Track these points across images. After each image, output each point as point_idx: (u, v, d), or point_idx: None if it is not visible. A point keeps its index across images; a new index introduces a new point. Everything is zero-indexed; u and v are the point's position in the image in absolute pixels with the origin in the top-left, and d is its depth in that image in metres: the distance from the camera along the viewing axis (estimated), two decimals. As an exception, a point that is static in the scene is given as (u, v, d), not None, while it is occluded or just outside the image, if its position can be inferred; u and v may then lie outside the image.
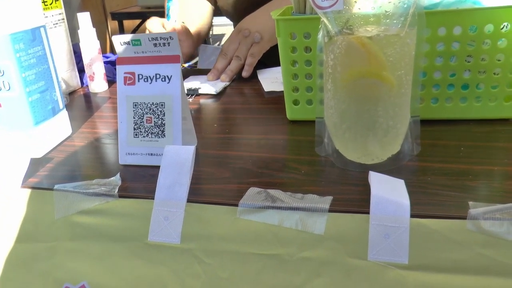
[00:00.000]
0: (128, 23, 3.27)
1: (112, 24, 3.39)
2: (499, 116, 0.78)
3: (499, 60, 0.74)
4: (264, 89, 1.03)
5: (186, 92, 1.04)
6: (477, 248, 0.52)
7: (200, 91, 1.05)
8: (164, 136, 0.71)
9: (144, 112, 0.72)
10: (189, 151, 0.62)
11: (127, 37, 0.71)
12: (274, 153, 0.72)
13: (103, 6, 3.63)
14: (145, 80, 0.72)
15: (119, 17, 3.14)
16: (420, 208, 0.54)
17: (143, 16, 3.22)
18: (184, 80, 1.15)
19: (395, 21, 0.58)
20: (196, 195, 0.61)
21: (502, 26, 0.71)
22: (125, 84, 0.73)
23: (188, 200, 0.60)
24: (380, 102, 0.60)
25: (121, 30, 3.18)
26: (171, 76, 0.71)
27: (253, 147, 0.76)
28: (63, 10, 1.15)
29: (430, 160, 0.66)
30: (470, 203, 0.54)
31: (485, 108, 0.77)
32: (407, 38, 0.59)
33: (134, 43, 0.71)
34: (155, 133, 0.71)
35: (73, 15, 1.23)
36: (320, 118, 0.67)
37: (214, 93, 1.04)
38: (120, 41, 0.72)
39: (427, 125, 0.77)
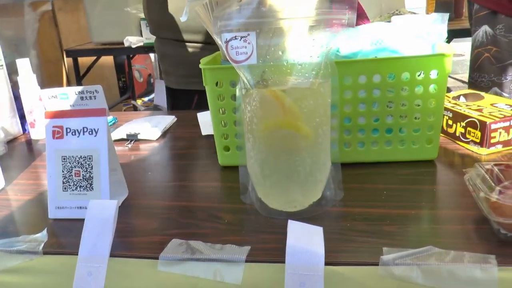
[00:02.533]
0: (84, 60, 3.28)
1: (69, 61, 3.40)
2: (423, 158, 0.83)
3: (418, 105, 0.79)
4: (202, 132, 1.06)
5: (125, 137, 1.07)
6: (387, 293, 0.55)
7: (139, 137, 1.07)
8: (92, 189, 0.73)
9: (73, 166, 0.74)
10: (112, 206, 0.65)
11: (55, 91, 0.74)
12: (201, 201, 0.75)
13: (59, 42, 3.64)
14: (73, 133, 0.74)
15: (73, 54, 3.15)
16: (335, 255, 0.58)
17: (98, 53, 3.24)
18: (126, 123, 1.17)
19: (306, 75, 0.63)
20: (120, 248, 0.63)
21: (418, 74, 0.77)
22: (53, 138, 0.75)
23: (112, 255, 0.62)
24: (297, 152, 0.64)
25: (76, 67, 3.19)
26: (98, 129, 0.73)
27: (183, 195, 0.78)
28: (1, 56, 1.17)
29: (352, 205, 0.70)
30: (384, 249, 0.58)
31: (409, 151, 0.82)
32: (321, 90, 0.64)
33: (61, 96, 0.74)
34: (83, 186, 0.73)
35: (28, 51, 1.24)
36: (244, 166, 0.70)
37: (154, 139, 1.07)
38: (48, 95, 0.74)
39: (354, 168, 0.82)
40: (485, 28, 1.67)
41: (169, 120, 1.18)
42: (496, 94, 1.70)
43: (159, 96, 3.34)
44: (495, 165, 0.67)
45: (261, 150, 0.65)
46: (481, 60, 1.71)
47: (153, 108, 3.39)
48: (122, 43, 2.91)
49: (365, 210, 0.69)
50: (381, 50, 0.79)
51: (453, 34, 2.64)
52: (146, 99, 4.42)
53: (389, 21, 2.51)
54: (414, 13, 2.94)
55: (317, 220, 0.64)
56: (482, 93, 1.03)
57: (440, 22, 0.91)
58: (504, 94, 1.67)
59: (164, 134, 1.11)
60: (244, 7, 0.64)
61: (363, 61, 0.77)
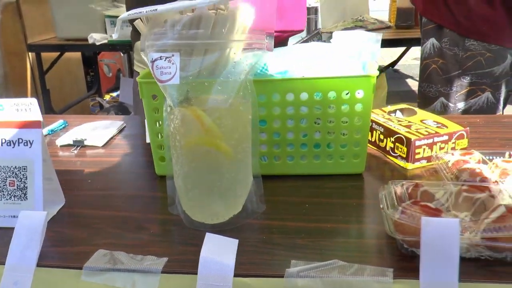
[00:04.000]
0: (47, 55, 3.27)
1: (32, 55, 3.39)
2: (350, 172, 0.89)
3: (345, 122, 0.85)
4: (147, 140, 1.10)
5: (72, 143, 1.10)
6: (291, 303, 0.61)
7: (85, 143, 1.11)
8: (27, 198, 0.77)
9: (7, 176, 0.77)
10: (42, 216, 0.69)
11: (-10, 102, 0.77)
12: (132, 211, 0.80)
13: (24, 34, 3.62)
14: (8, 144, 0.78)
15: (36, 49, 3.14)
16: (246, 267, 0.63)
17: (61, 48, 3.22)
18: (76, 127, 1.20)
19: (226, 95, 0.67)
20: (48, 258, 0.68)
21: (345, 93, 0.83)
22: (-12, 147, 0.78)
23: (39, 264, 0.66)
24: (217, 168, 0.69)
25: (39, 62, 3.18)
26: (32, 140, 0.77)
27: (116, 204, 0.83)
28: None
29: (273, 218, 0.75)
30: (292, 261, 0.63)
31: (337, 165, 0.88)
32: (240, 109, 0.69)
33: (-3, 108, 0.77)
34: (17, 196, 0.77)
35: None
36: (171, 178, 0.74)
37: (100, 145, 1.10)
38: (-17, 106, 0.78)
39: (284, 181, 0.87)
40: (432, 40, 1.76)
41: (117, 125, 1.22)
42: (443, 104, 1.79)
43: (125, 93, 3.36)
44: (405, 184, 0.73)
45: (183, 165, 0.70)
46: (429, 71, 1.80)
47: (118, 106, 3.40)
48: (87, 40, 2.92)
49: (283, 223, 0.74)
50: (309, 68, 0.84)
51: (414, 42, 2.73)
52: (114, 94, 4.42)
53: (353, 26, 2.59)
54: (377, 19, 3.03)
55: (237, 232, 0.69)
56: (416, 109, 1.09)
57: (373, 42, 0.96)
58: (450, 104, 1.76)
59: (110, 140, 1.15)
60: (170, 28, 0.68)
61: (290, 80, 0.82)
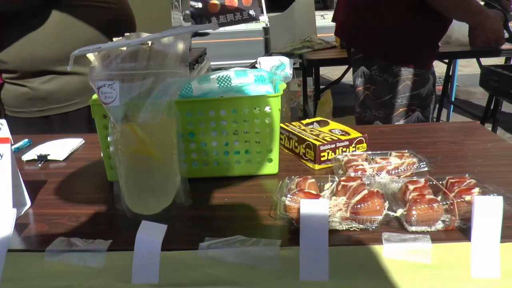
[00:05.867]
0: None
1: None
2: (266, 172, 1.11)
3: (258, 133, 1.06)
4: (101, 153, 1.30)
5: (36, 158, 1.29)
6: (205, 269, 0.81)
7: (49, 157, 1.30)
8: (-2, 201, 0.96)
9: (-18, 183, 0.96)
10: (12, 214, 0.88)
11: (-33, 124, 0.97)
12: (87, 209, 0.99)
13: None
14: (-18, 157, 0.97)
15: None
16: (172, 245, 0.83)
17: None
18: (40, 144, 1.39)
19: (155, 114, 0.88)
20: (18, 245, 0.87)
21: (257, 109, 1.04)
22: (-34, 161, 0.97)
23: (9, 250, 0.85)
24: (150, 170, 0.89)
25: None
26: (3, 154, 0.96)
27: (73, 205, 1.02)
28: None
29: (197, 209, 0.97)
30: (206, 238, 0.84)
31: (255, 167, 1.10)
32: (167, 124, 0.90)
33: (-28, 128, 0.97)
34: (-9, 199, 0.96)
35: None
36: (117, 181, 0.94)
37: (61, 159, 1.29)
38: (-39, 127, 0.97)
39: (211, 182, 1.08)
40: (363, 68, 1.96)
41: (77, 142, 1.41)
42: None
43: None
44: (297, 178, 0.95)
45: (124, 169, 0.90)
46: (363, 97, 2.01)
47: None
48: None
49: (204, 212, 0.95)
50: (228, 90, 1.06)
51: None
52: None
53: (301, 47, 2.84)
54: (323, 40, 3.29)
55: (168, 221, 0.89)
56: (329, 120, 1.32)
57: (288, 66, 1.19)
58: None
59: (71, 155, 1.34)
60: (112, 61, 0.89)
61: (211, 100, 1.04)
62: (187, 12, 4.39)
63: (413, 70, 1.90)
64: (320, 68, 3.03)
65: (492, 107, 3.40)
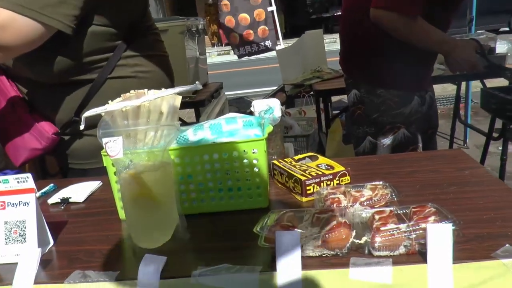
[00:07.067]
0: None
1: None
2: (257, 206, 1.26)
3: (247, 172, 1.22)
4: (116, 195, 1.47)
5: (59, 201, 1.47)
6: (197, 294, 0.97)
7: (70, 200, 1.47)
8: (26, 241, 1.13)
9: (12, 227, 1.14)
10: (37, 253, 1.05)
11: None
12: (100, 245, 1.16)
13: None
14: (12, 205, 1.14)
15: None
16: (170, 273, 0.98)
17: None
18: (63, 188, 1.57)
19: (152, 162, 1.05)
20: (41, 278, 1.03)
21: (245, 151, 1.20)
22: (-1, 208, 1.15)
23: (35, 282, 1.02)
24: (151, 210, 1.06)
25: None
26: (29, 202, 1.14)
27: (89, 242, 1.19)
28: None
29: (194, 242, 1.12)
30: (199, 267, 0.99)
31: (247, 202, 1.25)
32: (163, 170, 1.06)
33: (4, 181, 1.15)
34: (19, 240, 1.13)
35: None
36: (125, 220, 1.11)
37: (81, 201, 1.47)
38: (-6, 180, 1.15)
39: (207, 216, 1.23)
40: (354, 91, 2.22)
41: (95, 184, 1.59)
42: (371, 142, 2.19)
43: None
44: (278, 212, 1.10)
45: (128, 211, 1.06)
46: (355, 115, 2.23)
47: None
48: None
49: (200, 245, 1.10)
50: (220, 136, 1.22)
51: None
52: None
53: (311, 77, 3.04)
54: (333, 70, 3.44)
55: (167, 253, 1.04)
56: (318, 155, 1.46)
57: (277, 109, 1.35)
58: (377, 141, 2.17)
59: (89, 196, 1.51)
60: (117, 119, 1.06)
61: (205, 145, 1.20)
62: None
63: (396, 91, 2.13)
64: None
65: (501, 126, 3.47)
